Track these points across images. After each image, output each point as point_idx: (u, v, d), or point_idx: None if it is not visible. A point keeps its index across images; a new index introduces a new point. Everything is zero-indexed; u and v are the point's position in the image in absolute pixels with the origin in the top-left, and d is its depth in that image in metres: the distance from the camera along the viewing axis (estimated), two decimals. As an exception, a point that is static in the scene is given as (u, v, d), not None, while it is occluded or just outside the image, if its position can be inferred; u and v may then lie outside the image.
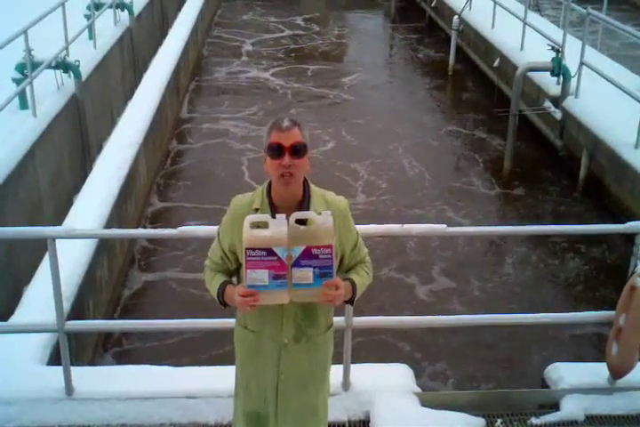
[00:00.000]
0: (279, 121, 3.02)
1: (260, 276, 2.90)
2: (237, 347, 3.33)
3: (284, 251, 2.89)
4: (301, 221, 2.95)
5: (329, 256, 2.91)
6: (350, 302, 3.23)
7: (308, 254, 2.90)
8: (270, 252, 2.89)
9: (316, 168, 3.96)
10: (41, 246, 4.79)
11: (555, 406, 4.44)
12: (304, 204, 3.08)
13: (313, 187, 3.14)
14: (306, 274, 2.91)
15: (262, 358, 3.22)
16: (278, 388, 3.22)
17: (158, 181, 10.46)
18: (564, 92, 10.16)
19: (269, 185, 3.11)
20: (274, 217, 2.95)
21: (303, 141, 3.00)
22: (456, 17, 15.30)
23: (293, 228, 2.92)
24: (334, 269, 2.95)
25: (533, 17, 13.07)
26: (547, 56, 10.38)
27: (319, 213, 2.96)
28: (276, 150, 2.97)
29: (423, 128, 12.64)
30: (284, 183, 3.00)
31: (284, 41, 18.26)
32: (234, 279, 3.25)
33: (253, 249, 2.90)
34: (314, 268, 2.91)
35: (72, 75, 9.25)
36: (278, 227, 2.91)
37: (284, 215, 2.93)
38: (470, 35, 15.05)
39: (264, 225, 2.93)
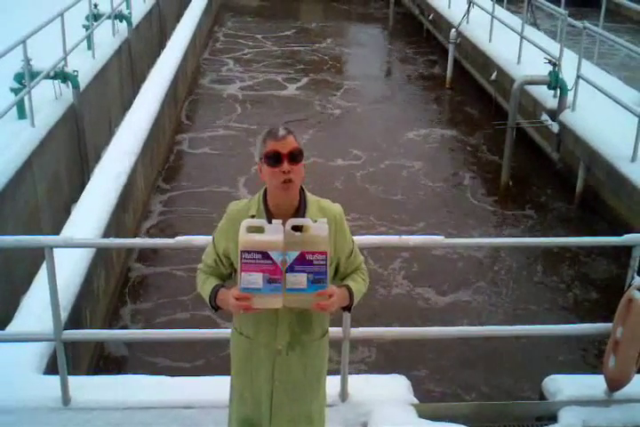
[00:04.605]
0: (274, 130, 3.05)
1: (255, 279, 2.90)
2: (233, 353, 3.34)
3: (279, 255, 2.90)
4: (297, 228, 2.96)
5: (323, 262, 2.92)
6: (348, 309, 3.24)
7: (302, 260, 2.91)
8: (265, 255, 2.90)
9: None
10: (38, 255, 4.79)
11: (552, 419, 4.44)
12: (300, 211, 3.09)
13: (308, 195, 3.16)
14: (299, 279, 2.91)
15: (256, 365, 3.22)
16: (272, 395, 3.22)
17: (156, 191, 10.47)
18: (561, 106, 10.19)
19: (265, 193, 3.12)
20: (270, 223, 2.96)
21: (300, 147, 3.04)
22: (453, 30, 15.35)
23: (289, 234, 2.93)
24: (328, 276, 2.95)
25: (530, 30, 13.13)
26: (544, 69, 10.42)
27: (315, 221, 2.98)
28: (275, 158, 2.99)
29: (420, 141, 12.66)
30: (285, 189, 3.01)
31: (282, 51, 18.31)
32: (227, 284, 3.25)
33: (249, 252, 2.91)
34: (307, 273, 2.91)
35: (70, 85, 9.26)
36: (274, 232, 2.92)
37: (280, 221, 2.95)
38: (468, 48, 15.10)
39: (260, 230, 2.94)
